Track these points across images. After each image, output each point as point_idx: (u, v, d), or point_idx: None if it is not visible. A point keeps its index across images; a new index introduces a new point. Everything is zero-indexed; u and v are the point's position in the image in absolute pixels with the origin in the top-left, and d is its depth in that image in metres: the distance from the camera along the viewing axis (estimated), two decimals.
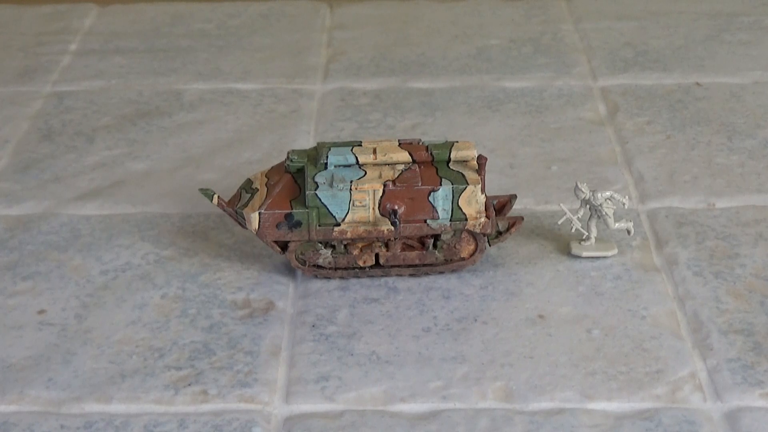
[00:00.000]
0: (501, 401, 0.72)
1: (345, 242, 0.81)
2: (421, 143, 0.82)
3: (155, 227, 0.90)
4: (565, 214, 0.85)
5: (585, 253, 0.85)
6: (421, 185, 0.80)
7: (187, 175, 0.97)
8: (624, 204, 0.85)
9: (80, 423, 0.70)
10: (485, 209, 0.81)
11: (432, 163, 0.81)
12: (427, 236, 0.81)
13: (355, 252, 0.82)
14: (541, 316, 0.79)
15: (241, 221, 0.82)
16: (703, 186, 0.94)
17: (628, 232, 0.86)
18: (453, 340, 0.77)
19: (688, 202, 0.92)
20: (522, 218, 0.84)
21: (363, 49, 1.21)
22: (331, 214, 0.80)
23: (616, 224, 0.85)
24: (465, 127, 1.04)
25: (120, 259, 0.86)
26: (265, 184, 0.82)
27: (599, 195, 0.84)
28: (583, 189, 0.85)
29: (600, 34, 1.23)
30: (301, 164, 0.81)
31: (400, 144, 0.82)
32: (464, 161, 0.81)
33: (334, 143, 0.82)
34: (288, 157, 0.82)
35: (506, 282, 0.83)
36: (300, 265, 0.82)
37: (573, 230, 0.85)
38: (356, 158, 0.80)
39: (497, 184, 0.94)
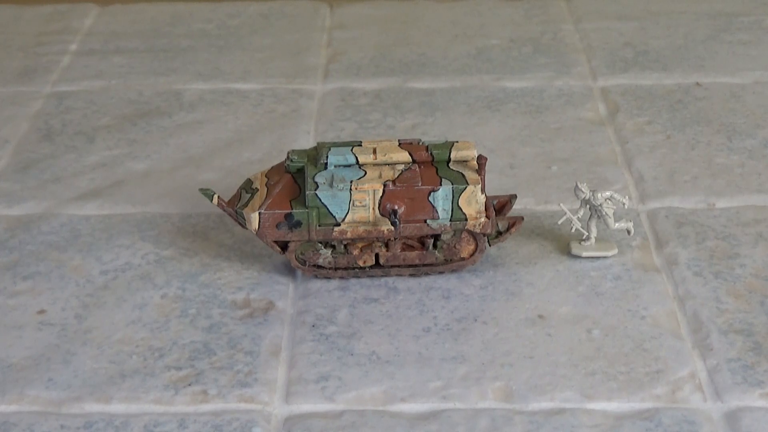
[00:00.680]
0: (501, 401, 0.72)
1: (345, 242, 0.81)
2: (421, 143, 0.82)
3: (155, 227, 0.90)
4: (565, 214, 0.85)
5: (585, 253, 0.85)
6: (421, 185, 0.80)
7: (187, 175, 0.97)
8: (624, 204, 0.85)
9: (80, 423, 0.70)
10: (485, 209, 0.81)
11: (432, 163, 0.81)
12: (427, 236, 0.81)
13: (355, 252, 0.82)
14: (541, 316, 0.79)
15: (241, 221, 0.82)
16: (703, 186, 0.94)
17: (628, 232, 0.86)
18: (453, 340, 0.77)
19: (688, 202, 0.92)
20: (522, 218, 0.84)
21: (363, 49, 1.21)
22: (331, 214, 0.80)
23: (616, 224, 0.85)
24: (465, 127, 1.04)
25: (120, 259, 0.86)
26: (265, 184, 0.82)
27: (599, 195, 0.84)
28: (583, 189, 0.85)
29: (600, 34, 1.23)
30: (301, 164, 0.81)
31: (400, 144, 0.82)
32: (464, 161, 0.81)
33: (334, 143, 0.82)
34: (288, 157, 0.82)
35: (506, 282, 0.83)
36: (300, 265, 0.82)
37: (573, 230, 0.85)
38: (356, 158, 0.80)
39: (497, 184, 0.94)
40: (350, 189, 0.79)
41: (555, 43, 1.21)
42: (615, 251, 0.85)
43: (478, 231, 0.81)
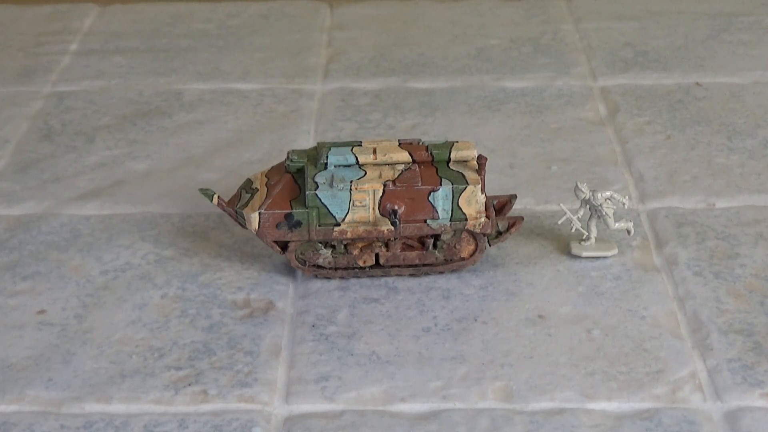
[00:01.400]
0: (501, 401, 0.72)
1: (345, 242, 0.81)
2: (421, 143, 0.82)
3: (155, 227, 0.90)
4: (565, 214, 0.85)
5: (585, 253, 0.85)
6: (421, 185, 0.80)
7: (187, 175, 0.97)
8: (624, 204, 0.85)
9: (80, 423, 0.70)
10: (485, 209, 0.81)
11: (432, 163, 0.81)
12: (427, 236, 0.81)
13: (355, 252, 0.82)
14: (541, 316, 0.79)
15: (241, 221, 0.82)
16: (703, 186, 0.94)
17: (628, 232, 0.86)
18: (453, 340, 0.77)
19: (688, 202, 0.92)
20: (522, 218, 0.84)
21: (363, 49, 1.21)
22: (331, 214, 0.80)
23: (616, 224, 0.85)
24: (465, 127, 1.04)
25: (120, 259, 0.86)
26: (265, 184, 0.82)
27: (599, 195, 0.84)
28: (583, 189, 0.85)
29: (600, 34, 1.23)
30: (301, 164, 0.81)
31: (400, 144, 0.82)
32: (464, 161, 0.81)
33: (334, 143, 0.82)
34: (288, 157, 0.82)
35: (506, 282, 0.83)
36: (300, 265, 0.82)
37: (573, 230, 0.85)
38: (356, 158, 0.80)
39: (497, 184, 0.94)
40: (350, 189, 0.79)
41: (555, 43, 1.21)
42: (615, 251, 0.85)
43: (478, 231, 0.81)
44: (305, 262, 0.82)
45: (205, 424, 0.70)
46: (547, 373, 0.74)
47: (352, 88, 1.12)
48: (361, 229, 0.80)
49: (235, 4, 1.33)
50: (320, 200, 0.80)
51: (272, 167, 0.84)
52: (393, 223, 0.80)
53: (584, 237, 0.85)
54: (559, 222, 0.86)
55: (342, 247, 0.82)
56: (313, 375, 0.74)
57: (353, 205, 0.80)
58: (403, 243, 0.82)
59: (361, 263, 0.82)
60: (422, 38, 1.23)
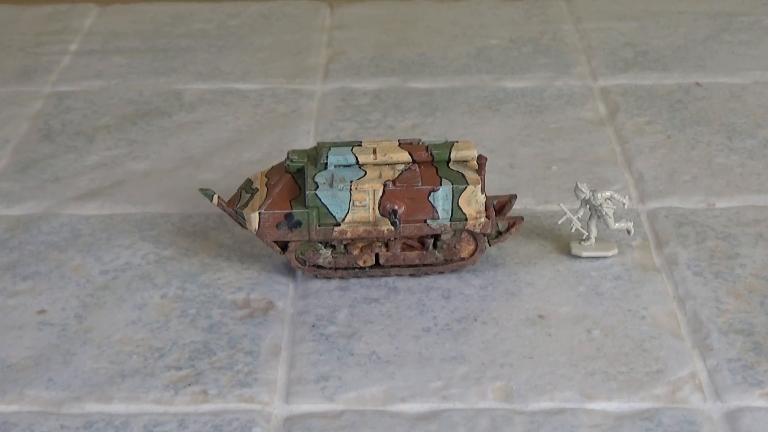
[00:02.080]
0: (501, 401, 0.72)
1: (345, 242, 0.81)
2: (421, 143, 0.82)
3: (155, 227, 0.90)
4: (565, 214, 0.85)
5: (585, 253, 0.85)
6: (421, 185, 0.80)
7: (187, 175, 0.97)
8: (624, 204, 0.85)
9: (80, 423, 0.70)
10: (485, 209, 0.81)
11: (432, 163, 0.81)
12: (427, 236, 0.81)
13: (355, 252, 0.82)
14: (541, 316, 0.79)
15: (241, 221, 0.82)
16: (703, 186, 0.94)
17: (628, 232, 0.86)
18: (453, 340, 0.77)
19: (688, 202, 0.92)
20: (522, 218, 0.84)
21: (363, 49, 1.21)
22: (331, 214, 0.80)
23: (616, 224, 0.85)
24: (465, 127, 1.04)
25: (120, 259, 0.86)
26: (265, 184, 0.82)
27: (599, 195, 0.84)
28: (583, 189, 0.85)
29: (600, 34, 1.23)
30: (301, 164, 0.81)
31: (400, 144, 0.82)
32: (464, 161, 0.81)
33: (334, 143, 0.82)
34: (288, 157, 0.82)
35: (506, 282, 0.83)
36: (300, 265, 0.82)
37: (573, 230, 0.85)
38: (356, 158, 0.80)
39: (497, 184, 0.94)
40: (350, 189, 0.79)
41: (555, 43, 1.21)
42: (615, 251, 0.85)
43: (478, 231, 0.81)
44: (305, 262, 0.82)
45: (205, 424, 0.70)
46: (547, 373, 0.74)
47: (352, 88, 1.12)
48: (361, 229, 0.80)
49: (235, 4, 1.33)
50: (320, 200, 0.80)
51: (272, 167, 0.84)
52: (393, 223, 0.80)
53: (584, 237, 0.85)
54: (559, 222, 0.86)
55: (342, 247, 0.82)
56: (313, 375, 0.74)
57: (353, 205, 0.80)
58: (403, 243, 0.82)
59: (361, 263, 0.82)
60: (422, 38, 1.23)
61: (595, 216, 0.85)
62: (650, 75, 1.13)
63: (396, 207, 0.80)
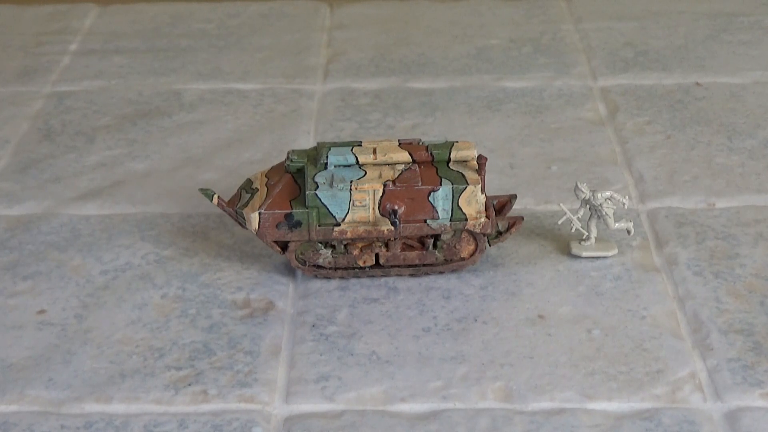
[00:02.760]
0: (501, 401, 0.72)
1: (345, 242, 0.81)
2: (421, 143, 0.82)
3: (155, 227, 0.90)
4: (565, 214, 0.85)
5: (585, 253, 0.85)
6: (421, 185, 0.80)
7: (187, 175, 0.97)
8: (624, 204, 0.85)
9: (80, 423, 0.70)
10: (485, 209, 0.81)
11: (432, 163, 0.81)
12: (427, 236, 0.81)
13: (355, 252, 0.82)
14: (541, 316, 0.79)
15: (241, 221, 0.82)
16: (703, 186, 0.94)
17: (628, 232, 0.86)
18: (453, 340, 0.77)
19: (688, 202, 0.92)
20: (522, 218, 0.84)
21: (363, 49, 1.21)
22: (331, 214, 0.80)
23: (616, 224, 0.85)
24: (465, 127, 1.04)
25: (120, 259, 0.86)
26: (265, 184, 0.82)
27: (599, 195, 0.84)
28: (583, 189, 0.85)
29: (600, 34, 1.23)
30: (301, 164, 0.81)
31: (400, 144, 0.82)
32: (464, 161, 0.81)
33: (334, 143, 0.82)
34: (288, 157, 0.82)
35: (506, 282, 0.83)
36: (300, 265, 0.82)
37: (573, 230, 0.85)
38: (356, 158, 0.80)
39: (497, 184, 0.94)
40: (350, 189, 0.79)
41: (555, 43, 1.21)
42: (615, 251, 0.85)
43: (478, 231, 0.81)
44: (305, 262, 0.82)
45: (205, 424, 0.70)
46: (547, 373, 0.74)
47: (352, 88, 1.12)
48: (361, 229, 0.80)
49: (235, 4, 1.33)
50: (320, 200, 0.80)
51: (272, 167, 0.84)
52: (393, 223, 0.80)
53: (584, 237, 0.85)
54: (559, 222, 0.86)
55: (342, 247, 0.82)
56: (313, 375, 0.74)
57: (353, 205, 0.80)
58: (403, 243, 0.82)
59: (361, 263, 0.82)
60: (422, 38, 1.23)
61: (595, 216, 0.85)
62: (650, 75, 1.13)
63: (396, 207, 0.80)
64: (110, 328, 0.79)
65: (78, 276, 0.84)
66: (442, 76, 1.14)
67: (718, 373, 0.74)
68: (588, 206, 0.85)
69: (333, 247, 0.82)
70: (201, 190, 0.82)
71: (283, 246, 0.82)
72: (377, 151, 0.81)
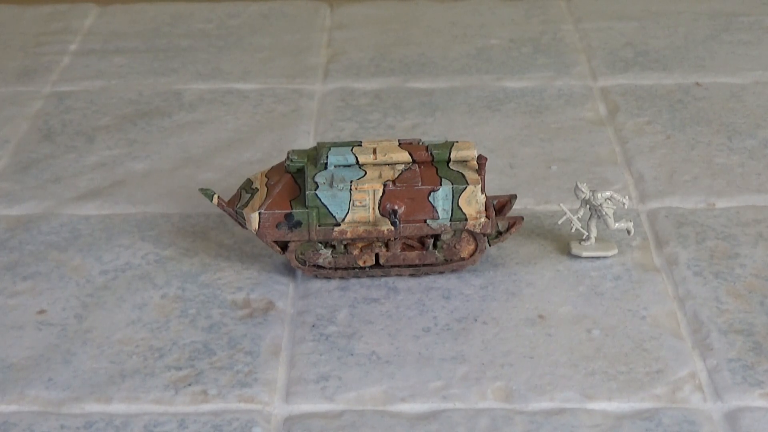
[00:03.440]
0: (501, 401, 0.72)
1: (345, 242, 0.81)
2: (421, 143, 0.82)
3: (155, 227, 0.90)
4: (565, 214, 0.85)
5: (585, 253, 0.85)
6: (421, 185, 0.80)
7: (187, 175, 0.97)
8: (624, 204, 0.85)
9: (80, 423, 0.70)
10: (485, 209, 0.81)
11: (432, 163, 0.81)
12: (427, 236, 0.81)
13: (355, 252, 0.82)
14: (541, 316, 0.79)
15: (241, 221, 0.82)
16: (703, 186, 0.94)
17: (628, 232, 0.86)
18: (453, 340, 0.77)
19: (688, 202, 0.92)
20: (522, 218, 0.84)
21: (363, 49, 1.21)
22: (331, 214, 0.80)
23: (616, 224, 0.85)
24: (465, 127, 1.04)
25: (120, 259, 0.86)
26: (265, 184, 0.82)
27: (599, 195, 0.84)
28: (583, 189, 0.85)
29: (600, 34, 1.23)
30: (301, 164, 0.81)
31: (400, 144, 0.82)
32: (464, 161, 0.81)
33: (334, 143, 0.82)
34: (288, 157, 0.82)
35: (506, 282, 0.83)
36: (300, 265, 0.82)
37: (573, 230, 0.85)
38: (356, 158, 0.80)
39: (497, 184, 0.94)
40: (350, 189, 0.79)
41: (555, 43, 1.21)
42: (615, 251, 0.85)
43: (478, 231, 0.81)
44: (305, 262, 0.82)
45: (205, 424, 0.70)
46: (547, 373, 0.74)
47: (352, 88, 1.12)
48: (361, 229, 0.80)
49: (235, 4, 1.33)
50: (320, 200, 0.80)
51: (272, 167, 0.84)
52: (393, 223, 0.80)
53: (584, 237, 0.85)
54: (559, 222, 0.86)
55: (342, 247, 0.82)
56: (313, 375, 0.74)
57: (353, 205, 0.80)
58: (403, 243, 0.82)
59: (361, 263, 0.82)
60: (422, 38, 1.23)
61: (595, 216, 0.85)
62: (650, 75, 1.13)
63: (396, 207, 0.80)
64: (110, 328, 0.79)
65: (78, 276, 0.84)
66: (442, 76, 1.14)
67: (718, 373, 0.74)
68: (588, 206, 0.85)
69: (333, 247, 0.82)
70: (201, 190, 0.82)
71: (283, 246, 0.82)
72: (377, 151, 0.81)
